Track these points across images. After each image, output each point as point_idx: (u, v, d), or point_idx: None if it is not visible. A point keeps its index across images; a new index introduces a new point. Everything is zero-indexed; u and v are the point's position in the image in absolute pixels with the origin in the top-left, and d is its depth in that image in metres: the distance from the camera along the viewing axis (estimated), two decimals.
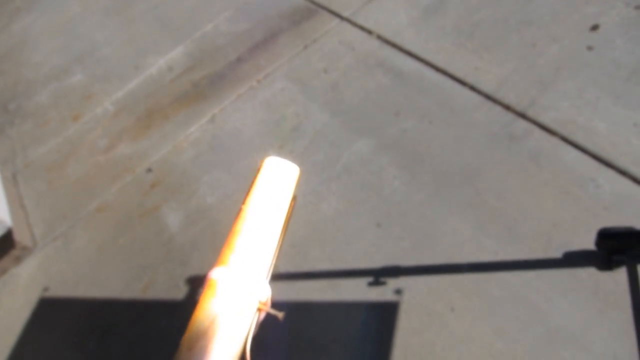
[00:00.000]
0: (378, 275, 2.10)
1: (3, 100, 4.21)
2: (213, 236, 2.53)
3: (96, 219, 2.91)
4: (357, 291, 2.09)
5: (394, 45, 2.98)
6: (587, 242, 1.93)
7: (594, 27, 2.63)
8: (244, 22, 3.71)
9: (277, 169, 0.89)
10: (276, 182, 0.86)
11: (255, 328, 0.72)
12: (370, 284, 2.08)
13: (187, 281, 2.42)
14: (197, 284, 2.39)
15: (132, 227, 2.77)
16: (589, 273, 1.88)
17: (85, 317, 2.52)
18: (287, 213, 0.84)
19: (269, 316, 0.75)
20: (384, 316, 1.99)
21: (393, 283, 2.06)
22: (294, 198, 0.88)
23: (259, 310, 0.72)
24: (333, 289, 2.13)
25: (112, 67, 3.96)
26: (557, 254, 1.96)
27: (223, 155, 2.88)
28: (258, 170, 0.91)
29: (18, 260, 2.88)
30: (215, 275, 0.74)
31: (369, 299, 2.05)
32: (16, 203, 3.16)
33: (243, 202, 0.87)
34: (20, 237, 2.88)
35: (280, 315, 0.72)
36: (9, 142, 3.74)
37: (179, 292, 2.40)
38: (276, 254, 0.80)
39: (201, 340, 0.68)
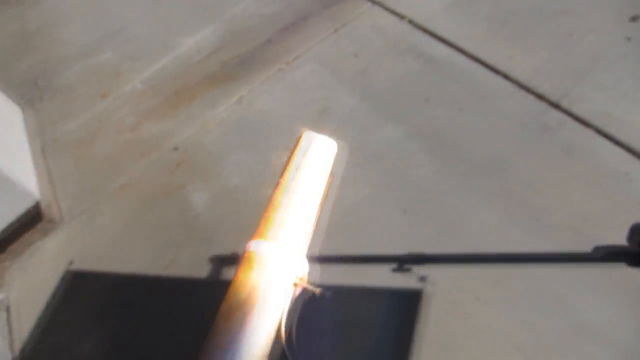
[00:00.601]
0: (402, 262, 2.08)
1: (34, 75, 4.25)
2: (237, 216, 2.53)
3: (122, 195, 2.93)
4: (381, 277, 2.07)
5: (425, 31, 2.94)
6: (619, 237, 1.89)
7: (634, 18, 2.56)
8: (274, 4, 3.68)
9: (314, 144, 0.87)
10: (314, 156, 0.84)
11: (291, 303, 0.71)
12: (395, 270, 2.07)
13: (210, 260, 2.43)
14: (220, 263, 2.40)
15: (157, 205, 2.79)
16: (619, 268, 1.84)
17: (109, 292, 2.54)
18: (325, 188, 0.83)
19: (305, 291, 0.74)
20: (407, 303, 1.98)
21: (417, 270, 2.05)
22: (332, 174, 0.86)
23: (296, 285, 0.71)
24: (357, 274, 2.12)
25: (142, 46, 3.97)
26: (586, 247, 1.92)
27: (249, 136, 2.87)
28: (296, 143, 0.90)
29: (45, 233, 2.93)
30: (254, 247, 0.73)
31: (392, 285, 2.03)
32: (44, 177, 3.20)
33: (281, 175, 0.86)
34: (47, 210, 2.93)
35: (317, 291, 0.71)
36: (39, 116, 3.78)
37: (202, 271, 2.41)
38: (312, 231, 0.79)
39: (238, 311, 0.67)
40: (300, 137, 0.91)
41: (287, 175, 0.84)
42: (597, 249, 1.90)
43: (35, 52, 4.53)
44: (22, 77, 4.30)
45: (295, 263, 0.72)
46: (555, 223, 2.01)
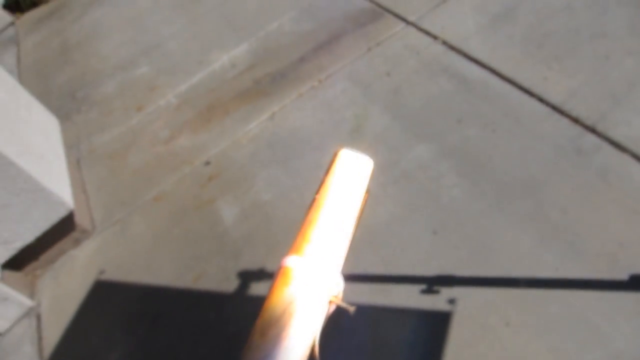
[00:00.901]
0: (431, 284, 2.06)
1: (72, 88, 4.37)
2: (267, 232, 2.54)
3: (153, 207, 2.97)
4: (409, 298, 2.05)
5: (459, 52, 2.93)
6: None
7: None
8: (308, 22, 3.72)
9: (351, 161, 0.88)
10: (350, 174, 0.85)
11: (325, 320, 0.71)
12: (423, 292, 2.05)
13: (238, 275, 2.44)
14: (248, 278, 2.41)
15: (188, 218, 2.82)
16: None
17: (138, 303, 2.57)
18: (361, 206, 0.83)
19: (339, 309, 0.74)
20: (435, 325, 1.95)
21: (446, 292, 2.02)
22: (368, 191, 0.86)
23: (331, 302, 0.70)
24: (384, 294, 2.10)
25: (177, 61, 4.05)
26: (622, 275, 1.87)
27: (281, 153, 2.89)
28: (332, 161, 0.90)
29: (77, 242, 2.98)
30: (290, 263, 0.74)
31: (420, 307, 2.01)
32: (79, 187, 3.26)
33: (317, 192, 0.86)
34: (80, 220, 2.98)
35: (351, 309, 0.71)
36: (75, 128, 3.87)
37: (230, 285, 2.42)
38: (348, 248, 0.79)
39: (274, 327, 0.67)
40: (336, 154, 0.91)
41: (324, 191, 0.84)
42: (633, 277, 1.86)
43: (74, 66, 4.66)
44: (61, 89, 4.42)
45: (330, 280, 0.72)
46: (590, 249, 1.97)
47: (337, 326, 2.02)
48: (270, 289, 0.75)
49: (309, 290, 0.71)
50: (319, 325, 0.70)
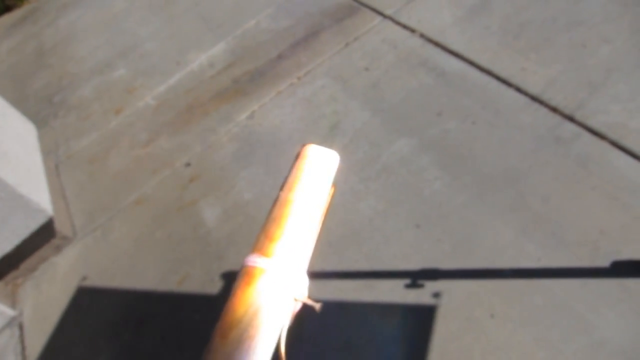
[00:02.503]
0: (416, 278, 2.05)
1: (48, 93, 4.31)
2: (249, 232, 2.52)
3: (135, 211, 2.94)
4: (394, 293, 2.04)
5: (437, 44, 2.93)
6: (637, 251, 1.85)
7: None
8: (286, 19, 3.70)
9: (317, 156, 0.86)
10: (316, 169, 0.83)
11: (291, 319, 0.70)
12: (408, 286, 2.04)
13: (222, 276, 2.42)
14: (232, 279, 2.39)
15: (170, 221, 2.79)
16: (639, 284, 1.80)
17: (121, 308, 2.54)
18: (327, 202, 0.81)
19: (305, 307, 0.72)
20: (420, 319, 1.95)
21: (431, 286, 2.01)
22: (334, 186, 0.85)
23: (296, 300, 0.69)
24: (369, 290, 2.09)
25: (155, 62, 4.00)
26: (604, 262, 1.88)
27: (261, 151, 2.87)
28: (297, 156, 0.88)
29: (58, 249, 2.94)
30: (252, 262, 0.72)
31: (405, 301, 2.00)
32: (58, 193, 3.22)
33: (281, 188, 0.84)
34: (60, 226, 2.94)
35: (317, 306, 0.69)
36: (52, 133, 3.82)
37: (214, 287, 2.40)
38: (314, 244, 0.77)
39: (235, 328, 0.65)
40: (300, 150, 0.89)
41: (288, 187, 0.82)
42: (615, 263, 1.86)
43: (50, 70, 4.60)
44: (37, 94, 4.36)
45: (294, 278, 0.70)
46: (572, 237, 1.97)
47: (322, 324, 2.01)
48: (232, 289, 0.74)
49: (272, 289, 0.69)
50: (284, 325, 0.68)
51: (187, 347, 2.24)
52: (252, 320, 0.67)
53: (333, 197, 0.84)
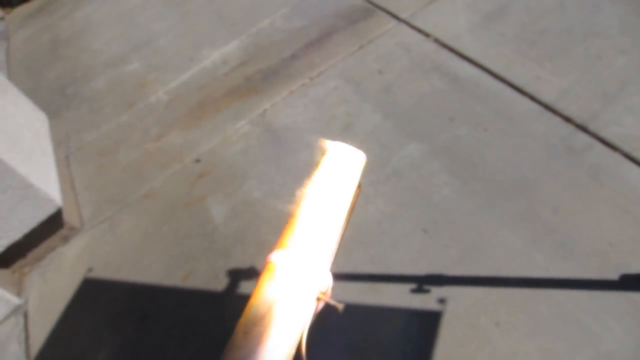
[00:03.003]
0: (422, 283, 2.04)
1: (62, 84, 4.32)
2: (257, 230, 2.52)
3: (143, 205, 2.95)
4: (399, 297, 2.04)
5: (451, 50, 2.92)
6: None
7: None
8: (301, 19, 3.70)
9: (343, 155, 0.85)
10: (342, 167, 0.82)
11: (313, 317, 0.69)
12: (413, 291, 2.03)
13: (227, 273, 2.41)
14: (238, 276, 2.39)
15: (177, 216, 2.79)
16: None
17: (126, 301, 2.54)
18: (352, 201, 0.81)
19: (327, 307, 0.72)
20: (425, 325, 1.94)
21: (437, 292, 2.00)
22: (359, 186, 0.84)
23: (319, 299, 0.68)
24: (374, 293, 2.08)
25: (168, 58, 4.01)
26: (613, 275, 1.86)
27: (271, 150, 2.87)
28: (323, 154, 0.88)
29: (65, 239, 2.94)
30: (276, 258, 0.71)
31: (411, 306, 1.99)
32: (67, 184, 3.23)
33: (306, 185, 0.84)
34: (68, 217, 2.94)
35: (340, 306, 0.69)
36: (64, 125, 3.83)
37: (219, 284, 2.39)
38: (338, 244, 0.77)
39: (258, 325, 0.65)
40: (326, 148, 0.89)
41: (314, 185, 0.82)
42: (624, 277, 1.85)
43: (64, 62, 4.62)
44: (51, 85, 4.38)
45: (318, 276, 0.69)
46: (581, 249, 1.96)
47: (326, 325, 2.01)
48: (255, 286, 0.73)
49: (296, 286, 0.69)
50: (306, 323, 0.68)
51: (190, 343, 2.24)
52: (274, 317, 0.67)
53: (358, 196, 0.84)
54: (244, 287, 2.35)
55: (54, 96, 4.20)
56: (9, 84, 3.29)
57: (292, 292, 0.68)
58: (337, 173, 0.82)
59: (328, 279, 0.73)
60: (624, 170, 2.12)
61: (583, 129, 2.30)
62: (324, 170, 0.83)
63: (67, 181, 3.25)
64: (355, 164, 0.85)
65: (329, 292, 0.73)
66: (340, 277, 2.17)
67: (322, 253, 0.74)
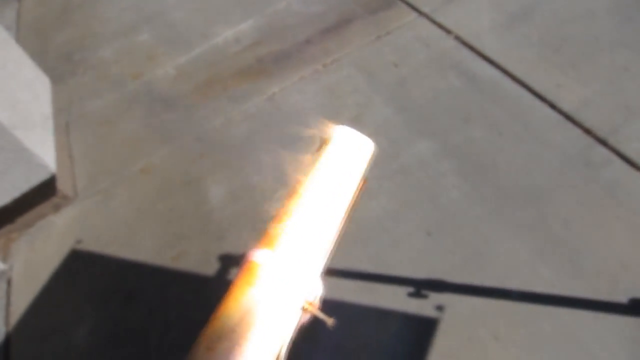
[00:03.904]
0: (420, 287, 1.95)
1: (69, 50, 4.22)
2: (253, 216, 2.42)
3: (139, 179, 2.86)
4: (395, 300, 1.94)
5: (472, 48, 2.81)
6: None
7: None
8: (318, 4, 3.59)
9: (349, 142, 0.74)
10: (347, 156, 0.71)
11: (295, 331, 0.58)
12: (411, 295, 1.94)
13: (219, 258, 2.33)
14: (229, 262, 2.30)
15: (173, 194, 2.70)
16: None
17: (112, 277, 2.46)
18: (354, 196, 0.69)
19: (314, 319, 0.61)
20: (420, 331, 1.85)
21: (435, 298, 1.91)
22: (365, 179, 0.73)
23: (305, 310, 0.57)
24: (370, 293, 1.99)
25: (180, 32, 3.91)
26: (622, 298, 1.77)
27: (276, 135, 2.77)
28: (327, 139, 0.77)
29: (57, 208, 2.86)
30: (258, 258, 0.60)
31: (407, 310, 1.90)
32: (64, 152, 3.14)
33: (303, 174, 0.73)
34: (62, 185, 2.86)
35: (330, 321, 0.57)
36: (68, 91, 3.73)
37: (210, 268, 2.31)
38: (334, 244, 0.66)
39: (226, 339, 0.53)
40: (332, 132, 0.78)
41: (312, 174, 0.71)
42: (633, 301, 1.75)
43: (74, 27, 4.52)
44: (58, 50, 4.28)
45: (306, 282, 0.57)
46: (590, 266, 1.86)
47: (312, 322, 1.92)
48: (230, 288, 0.62)
49: (279, 293, 0.58)
50: (287, 339, 0.56)
51: (174, 326, 2.16)
52: (247, 330, 0.55)
53: (362, 190, 0.72)
54: (234, 274, 2.26)
55: (60, 61, 4.10)
56: (13, 43, 3.20)
57: (273, 300, 0.57)
58: (341, 163, 0.71)
59: (318, 287, 0.61)
60: None
61: (603, 142, 2.20)
62: (326, 159, 0.71)
63: (64, 148, 3.16)
64: (363, 153, 0.74)
65: (318, 302, 0.61)
66: (335, 273, 2.08)
67: (314, 255, 0.62)
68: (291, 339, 0.57)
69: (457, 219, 2.12)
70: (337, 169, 0.68)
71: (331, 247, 0.65)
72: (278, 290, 0.57)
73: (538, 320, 1.79)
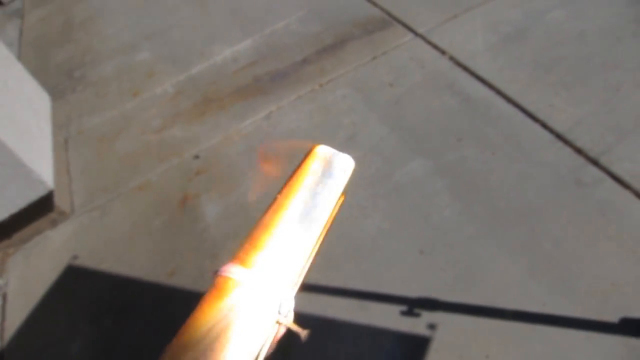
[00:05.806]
0: (413, 306, 1.96)
1: (70, 67, 4.27)
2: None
3: (136, 196, 2.87)
4: (388, 318, 1.95)
5: (466, 69, 2.85)
6: None
7: None
8: (316, 24, 3.64)
9: (327, 159, 0.76)
10: (324, 173, 0.73)
11: (269, 346, 0.59)
12: (403, 313, 1.95)
13: (213, 274, 2.33)
14: None
15: (169, 211, 2.72)
16: None
17: (107, 292, 2.47)
18: (332, 212, 0.70)
19: (288, 333, 0.62)
20: (412, 350, 1.85)
21: (427, 317, 1.92)
22: (343, 195, 0.74)
23: (278, 323, 0.58)
24: (362, 311, 2.00)
25: (179, 50, 3.96)
26: (612, 317, 1.77)
27: (272, 154, 2.79)
28: (305, 156, 0.79)
29: (54, 223, 2.88)
30: (228, 272, 0.61)
31: (399, 329, 1.91)
32: (62, 168, 3.16)
33: (280, 190, 0.74)
34: (59, 201, 2.88)
35: (303, 333, 0.58)
36: (67, 107, 3.77)
37: (204, 284, 2.31)
38: (310, 260, 0.67)
39: (191, 350, 0.54)
40: (310, 150, 0.80)
41: (286, 190, 0.72)
42: (624, 320, 1.76)
43: (75, 45, 4.57)
44: (59, 67, 4.33)
45: (278, 296, 0.58)
46: (582, 286, 1.87)
47: (306, 339, 1.92)
48: (199, 302, 0.63)
49: (248, 305, 0.59)
50: (259, 353, 0.58)
51: (168, 342, 2.15)
52: (214, 342, 0.56)
53: (340, 208, 0.73)
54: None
55: (60, 78, 4.15)
56: (14, 60, 3.24)
57: (241, 312, 0.58)
58: (318, 178, 0.72)
59: (290, 300, 0.62)
60: (634, 209, 2.04)
61: (594, 162, 2.22)
62: (302, 174, 0.73)
63: (62, 165, 3.19)
64: (341, 169, 0.75)
65: (291, 315, 0.63)
66: (327, 289, 2.09)
67: (286, 269, 0.64)
68: (265, 353, 0.58)
69: (449, 237, 2.14)
70: (315, 186, 0.69)
71: (308, 262, 0.66)
72: (248, 302, 0.59)
73: (529, 340, 1.79)
